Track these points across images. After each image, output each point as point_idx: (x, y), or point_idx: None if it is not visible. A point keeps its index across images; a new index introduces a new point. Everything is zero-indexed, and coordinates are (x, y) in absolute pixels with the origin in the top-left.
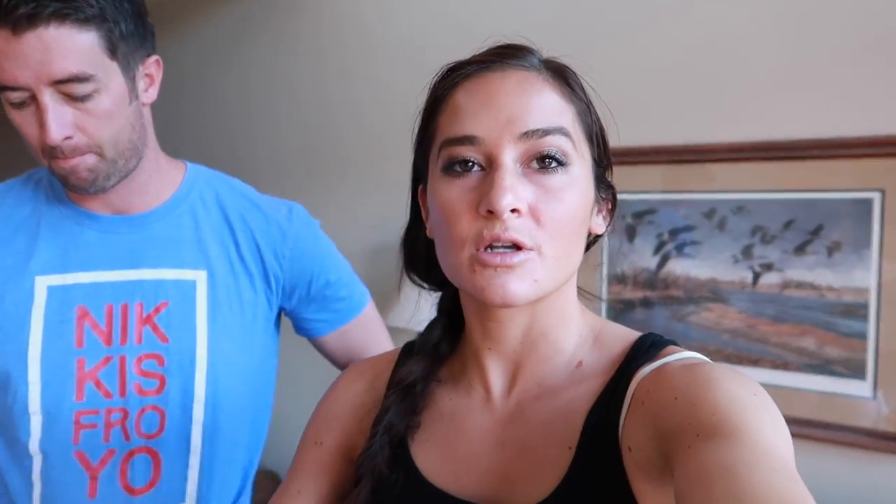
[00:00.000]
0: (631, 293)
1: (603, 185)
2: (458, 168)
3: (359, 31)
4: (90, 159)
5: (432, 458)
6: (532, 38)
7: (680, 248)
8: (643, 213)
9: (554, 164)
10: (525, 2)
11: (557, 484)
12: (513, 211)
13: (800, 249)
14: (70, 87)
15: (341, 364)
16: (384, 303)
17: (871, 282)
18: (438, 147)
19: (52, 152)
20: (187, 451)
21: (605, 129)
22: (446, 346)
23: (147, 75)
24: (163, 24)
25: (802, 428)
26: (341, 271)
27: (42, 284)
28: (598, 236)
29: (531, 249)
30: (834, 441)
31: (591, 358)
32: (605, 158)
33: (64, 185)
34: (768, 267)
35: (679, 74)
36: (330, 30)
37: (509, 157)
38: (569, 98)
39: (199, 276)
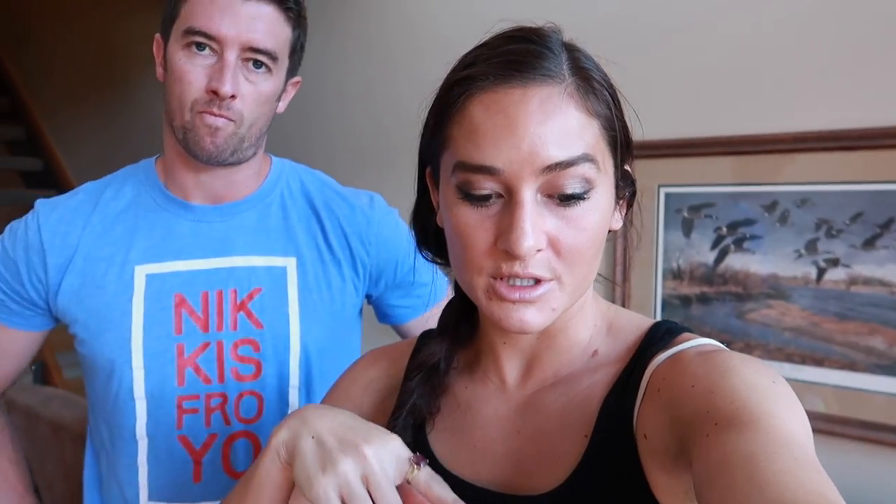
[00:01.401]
0: (687, 289)
1: (622, 182)
2: (475, 197)
3: (403, 27)
4: (230, 127)
5: (449, 446)
6: (582, 34)
7: (739, 243)
8: (700, 207)
9: (576, 199)
10: None
11: (572, 471)
12: (539, 249)
13: (868, 244)
14: (257, 56)
15: None
16: None
17: None
18: (453, 165)
19: (207, 104)
20: None
21: (630, 126)
22: (465, 328)
23: (291, 85)
24: None
25: (869, 431)
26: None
27: (141, 273)
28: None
29: (551, 280)
30: None
31: (606, 346)
32: (627, 156)
33: (193, 148)
34: (834, 262)
35: (736, 62)
36: (377, 26)
37: (529, 192)
38: (593, 111)
39: (289, 263)
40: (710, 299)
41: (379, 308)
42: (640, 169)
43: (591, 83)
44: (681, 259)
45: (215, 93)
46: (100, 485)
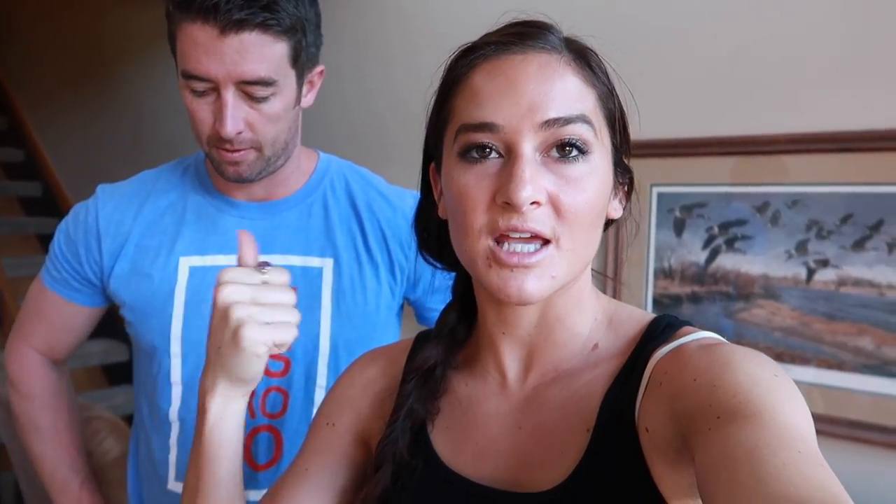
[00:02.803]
0: (678, 288)
1: (620, 169)
2: (475, 154)
3: (399, 20)
4: (250, 155)
5: (451, 445)
6: (581, 29)
7: (730, 243)
8: (692, 206)
9: (574, 152)
10: None
11: (575, 466)
12: (532, 203)
13: (858, 245)
14: (253, 89)
15: None
16: None
17: None
18: (455, 131)
19: (219, 142)
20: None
21: (626, 112)
22: (462, 330)
23: (310, 82)
24: None
25: (857, 431)
26: None
27: (185, 265)
28: (613, 220)
29: (549, 242)
30: (890, 445)
31: (607, 340)
32: (624, 143)
33: (217, 171)
34: (824, 263)
35: (731, 63)
36: (373, 18)
37: (529, 146)
38: (590, 82)
39: (326, 264)
40: (700, 299)
41: (418, 310)
42: (633, 167)
43: (588, 60)
44: (672, 258)
45: (221, 135)
46: (138, 458)
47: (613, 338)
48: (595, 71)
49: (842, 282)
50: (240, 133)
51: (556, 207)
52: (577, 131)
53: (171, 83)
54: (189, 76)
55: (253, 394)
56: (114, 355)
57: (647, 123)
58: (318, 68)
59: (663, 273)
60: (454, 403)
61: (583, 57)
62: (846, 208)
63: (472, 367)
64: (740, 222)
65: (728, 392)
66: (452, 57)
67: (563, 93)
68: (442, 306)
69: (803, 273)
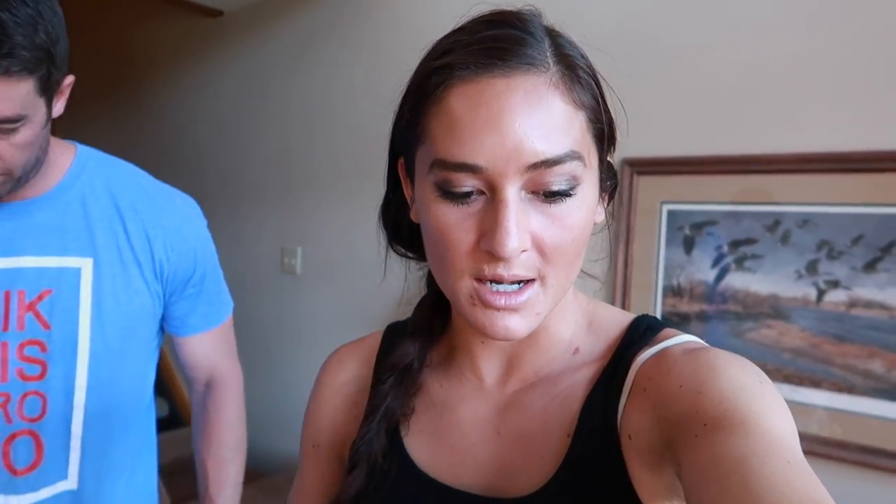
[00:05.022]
0: (687, 306)
1: (605, 175)
2: (455, 196)
3: (415, 37)
4: (0, 180)
5: (425, 448)
6: (592, 48)
7: (740, 262)
8: (702, 225)
9: (562, 195)
10: (584, 8)
11: (555, 472)
12: (524, 250)
13: (869, 266)
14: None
15: (190, 371)
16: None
17: None
18: (431, 161)
19: None
20: (68, 434)
21: (614, 114)
22: (439, 324)
23: (60, 93)
24: (240, 31)
25: (866, 456)
26: (218, 274)
27: None
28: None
29: (534, 280)
30: None
31: (587, 343)
32: (610, 146)
33: None
34: (834, 284)
35: (742, 82)
36: (389, 36)
37: (513, 189)
38: (579, 103)
39: (85, 264)
40: (709, 318)
41: (165, 315)
42: (643, 185)
43: (577, 71)
44: (681, 276)
45: None
46: None
47: (594, 340)
48: (583, 84)
49: (852, 303)
50: None
51: (541, 248)
52: (565, 170)
53: (193, 95)
54: None
55: (8, 398)
56: None
57: (657, 141)
58: (68, 80)
59: (672, 291)
60: (428, 405)
61: (572, 70)
62: (857, 229)
63: (448, 367)
64: (750, 241)
65: (714, 399)
66: (425, 69)
67: (549, 126)
68: (189, 314)
69: (813, 294)
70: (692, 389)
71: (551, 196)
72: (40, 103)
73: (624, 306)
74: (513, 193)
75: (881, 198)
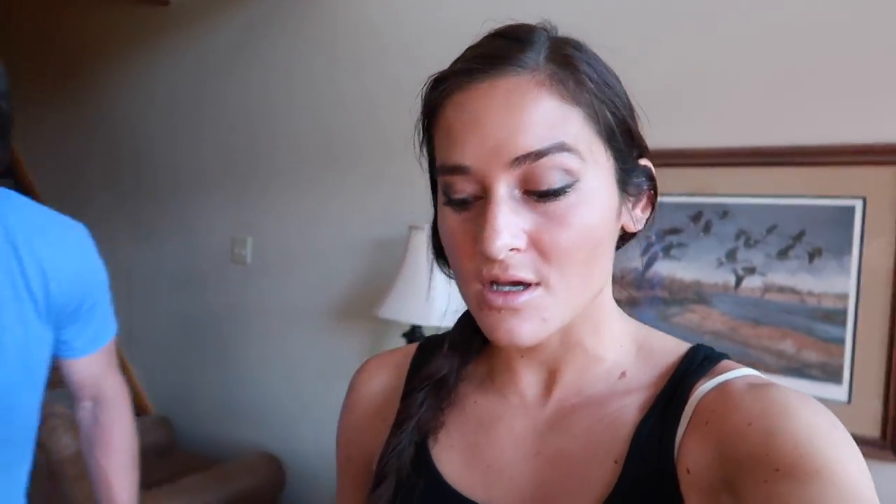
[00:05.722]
0: (617, 293)
1: (633, 177)
2: (457, 202)
3: (370, 29)
4: None
5: (456, 464)
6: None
7: (667, 250)
8: None
9: (556, 193)
10: None
11: (603, 500)
12: (512, 250)
13: (782, 254)
14: None
15: (77, 390)
16: (380, 295)
17: (851, 288)
18: (438, 170)
19: None
20: None
21: (636, 118)
22: (478, 340)
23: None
24: (190, 20)
25: None
26: (107, 299)
27: None
28: (634, 233)
29: (537, 284)
30: None
31: (636, 369)
32: (634, 148)
33: None
34: (751, 271)
35: (669, 79)
36: (343, 28)
37: (503, 188)
38: (574, 98)
39: None
40: (638, 303)
41: (54, 341)
42: None
43: (572, 69)
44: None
45: None
46: None
47: (644, 367)
48: (582, 81)
49: (767, 288)
50: None
51: (540, 249)
52: (555, 163)
53: (143, 85)
54: None
55: None
56: None
57: None
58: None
59: None
60: (462, 421)
61: (566, 68)
62: (772, 219)
63: (484, 383)
64: (676, 231)
65: (787, 443)
66: (427, 84)
67: (533, 122)
68: (77, 337)
69: (732, 280)
70: (763, 429)
71: (546, 194)
72: None
73: None
74: (502, 191)
75: (793, 189)
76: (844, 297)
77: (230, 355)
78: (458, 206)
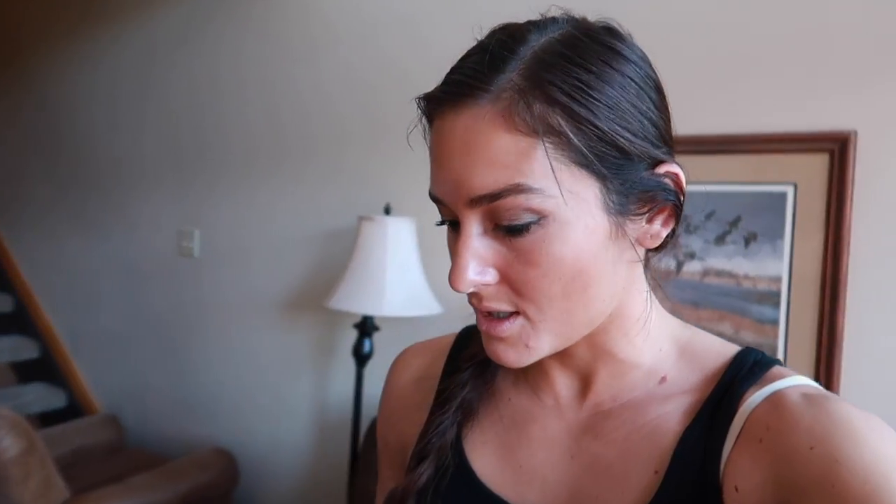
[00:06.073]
0: None
1: (639, 192)
2: (446, 223)
3: (321, 19)
4: None
5: (488, 461)
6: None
7: None
8: None
9: (519, 230)
10: None
11: None
12: (484, 284)
13: (720, 239)
14: None
15: None
16: (330, 287)
17: (784, 271)
18: None
19: None
20: None
21: (649, 115)
22: None
23: None
24: (135, 6)
25: None
26: None
27: None
28: (660, 247)
29: (516, 314)
30: None
31: (678, 373)
32: (641, 159)
33: None
34: (691, 255)
35: None
36: (294, 17)
37: (471, 224)
38: (540, 126)
39: None
40: None
41: None
42: None
43: (544, 86)
44: None
45: None
46: None
47: (687, 371)
48: (554, 101)
49: (706, 272)
50: None
51: (511, 285)
52: (514, 204)
53: (84, 74)
54: None
55: None
56: (24, 352)
57: None
58: None
59: None
60: (495, 418)
61: (536, 86)
62: (710, 205)
63: (519, 381)
64: None
65: (857, 475)
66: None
67: (487, 161)
68: None
69: (673, 264)
70: (827, 455)
71: (511, 230)
72: None
73: None
74: (469, 228)
75: (730, 177)
76: (778, 279)
77: (179, 350)
78: (450, 226)
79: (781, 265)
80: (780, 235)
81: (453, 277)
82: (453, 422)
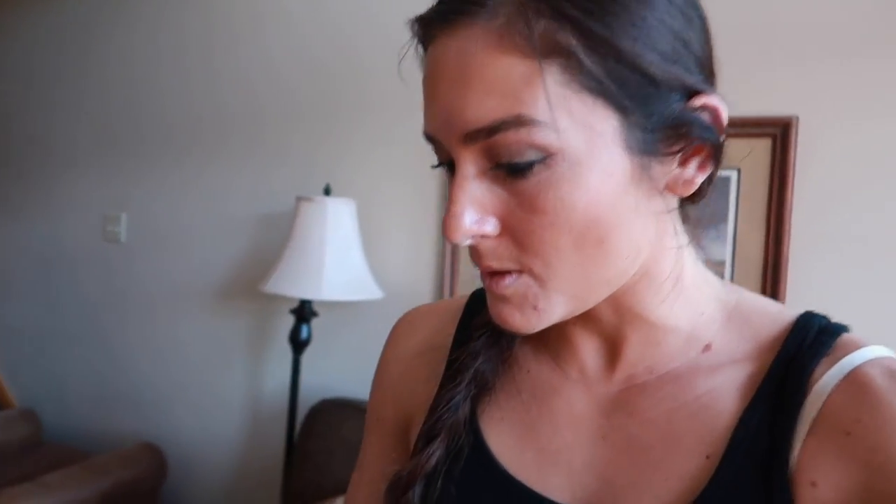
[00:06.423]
0: None
1: (668, 128)
2: (443, 165)
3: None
4: None
5: (508, 443)
6: None
7: None
8: None
9: (521, 169)
10: None
11: (692, 500)
12: (482, 236)
13: None
14: None
15: None
16: (265, 271)
17: (727, 255)
18: None
19: None
20: None
21: (683, 37)
22: None
23: None
24: None
25: None
26: None
27: None
28: (695, 195)
29: (520, 272)
30: None
31: (725, 340)
32: (672, 89)
33: None
34: None
35: None
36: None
37: (466, 165)
38: (545, 47)
39: None
40: None
41: None
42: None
43: (550, 5)
44: None
45: None
46: None
47: (737, 337)
48: (562, 16)
49: None
50: None
51: (514, 237)
52: (512, 139)
53: (2, 51)
54: None
55: None
56: None
57: None
58: None
59: None
60: (512, 392)
61: (540, 2)
62: None
63: (539, 350)
64: None
65: None
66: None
67: (482, 90)
68: None
69: None
70: None
71: (512, 168)
72: None
73: (453, 273)
74: (467, 167)
75: None
76: (722, 263)
77: (104, 341)
78: (447, 169)
79: (725, 249)
80: (724, 220)
81: (447, 226)
82: (466, 396)
